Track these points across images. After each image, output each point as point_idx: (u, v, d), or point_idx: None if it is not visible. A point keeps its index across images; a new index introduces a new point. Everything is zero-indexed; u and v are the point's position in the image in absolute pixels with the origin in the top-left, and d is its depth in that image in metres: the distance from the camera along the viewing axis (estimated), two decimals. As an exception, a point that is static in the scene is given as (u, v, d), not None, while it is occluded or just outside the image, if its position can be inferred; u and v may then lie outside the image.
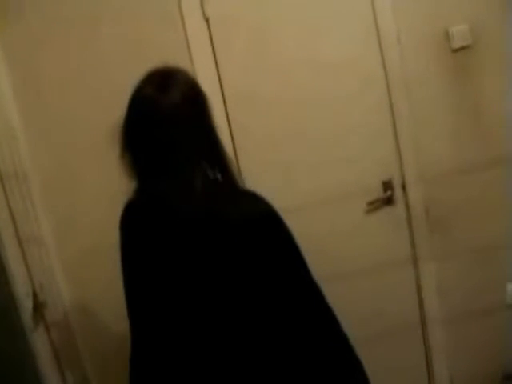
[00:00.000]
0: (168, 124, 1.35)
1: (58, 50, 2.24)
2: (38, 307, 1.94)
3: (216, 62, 2.32)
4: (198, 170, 1.41)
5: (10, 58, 2.18)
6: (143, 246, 1.46)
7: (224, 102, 2.33)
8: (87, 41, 2.25)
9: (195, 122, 1.40)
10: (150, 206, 1.43)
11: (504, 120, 2.40)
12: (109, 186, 2.12)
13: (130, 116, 1.39)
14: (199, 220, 1.36)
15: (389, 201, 2.45)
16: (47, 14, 2.22)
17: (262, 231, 1.38)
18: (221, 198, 1.40)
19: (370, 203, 2.44)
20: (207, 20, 2.30)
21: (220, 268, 1.37)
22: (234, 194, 1.46)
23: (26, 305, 1.85)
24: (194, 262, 1.38)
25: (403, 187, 2.45)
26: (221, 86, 2.33)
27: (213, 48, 2.31)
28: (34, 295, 1.92)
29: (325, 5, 2.34)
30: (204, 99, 1.45)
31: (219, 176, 1.47)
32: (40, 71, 2.23)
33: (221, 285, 1.38)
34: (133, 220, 1.50)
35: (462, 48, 2.36)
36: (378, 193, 2.44)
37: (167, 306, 1.43)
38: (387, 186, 2.44)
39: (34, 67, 2.22)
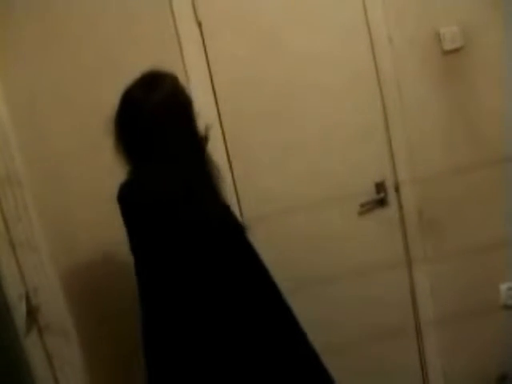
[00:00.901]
0: (147, 121, 1.55)
1: (51, 55, 2.24)
2: (32, 311, 1.93)
3: (208, 66, 2.32)
4: (170, 164, 1.58)
5: (2, 64, 2.18)
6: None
7: (217, 105, 2.34)
8: (82, 44, 2.25)
9: (174, 122, 1.59)
10: (125, 189, 1.61)
11: (497, 121, 2.42)
12: (101, 190, 2.13)
13: (119, 112, 1.62)
14: (146, 207, 1.55)
15: (382, 202, 2.45)
16: (38, 19, 2.23)
17: (198, 233, 1.55)
18: (172, 192, 1.56)
19: (363, 205, 2.44)
20: (199, 24, 2.31)
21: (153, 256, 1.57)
22: (191, 192, 1.60)
23: (20, 309, 1.84)
24: (137, 241, 1.59)
25: (396, 189, 2.46)
26: (213, 90, 2.33)
27: (205, 52, 2.32)
28: (28, 299, 1.92)
29: (316, 8, 2.35)
30: (187, 102, 1.65)
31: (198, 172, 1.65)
32: (32, 76, 2.22)
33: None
34: (121, 198, 1.63)
35: (454, 49, 2.37)
36: (370, 194, 2.45)
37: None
38: (380, 187, 2.44)
39: (27, 72, 2.22)
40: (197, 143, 1.64)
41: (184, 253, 1.56)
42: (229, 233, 1.63)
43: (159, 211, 1.53)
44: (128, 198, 1.60)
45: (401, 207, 2.46)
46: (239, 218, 1.74)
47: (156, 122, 1.56)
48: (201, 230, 1.56)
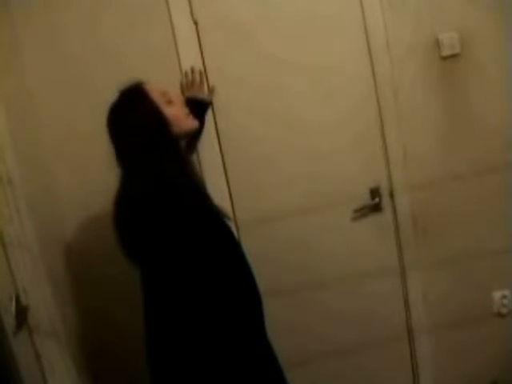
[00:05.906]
0: (123, 134, 1.67)
1: (48, 54, 2.24)
2: (22, 311, 1.93)
3: (204, 64, 2.31)
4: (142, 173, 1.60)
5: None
6: None
7: (212, 107, 2.32)
8: (80, 44, 2.25)
9: (150, 134, 1.63)
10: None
11: (494, 127, 2.41)
12: (93, 191, 2.14)
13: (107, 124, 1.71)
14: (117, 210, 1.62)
15: (376, 208, 2.44)
16: (36, 17, 2.22)
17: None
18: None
19: (357, 210, 2.43)
20: (196, 23, 2.30)
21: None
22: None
23: (9, 309, 1.83)
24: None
25: (391, 195, 2.45)
26: (208, 88, 2.31)
27: (201, 52, 2.31)
28: (17, 299, 1.91)
29: (314, 13, 2.34)
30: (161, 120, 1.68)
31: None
32: (27, 75, 2.22)
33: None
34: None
35: (452, 55, 2.36)
36: (365, 200, 2.43)
37: None
38: (375, 193, 2.43)
39: (22, 71, 2.22)
40: (168, 149, 1.67)
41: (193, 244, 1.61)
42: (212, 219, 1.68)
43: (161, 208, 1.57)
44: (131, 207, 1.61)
45: (395, 213, 2.45)
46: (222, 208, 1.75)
47: (130, 134, 1.65)
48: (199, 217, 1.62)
